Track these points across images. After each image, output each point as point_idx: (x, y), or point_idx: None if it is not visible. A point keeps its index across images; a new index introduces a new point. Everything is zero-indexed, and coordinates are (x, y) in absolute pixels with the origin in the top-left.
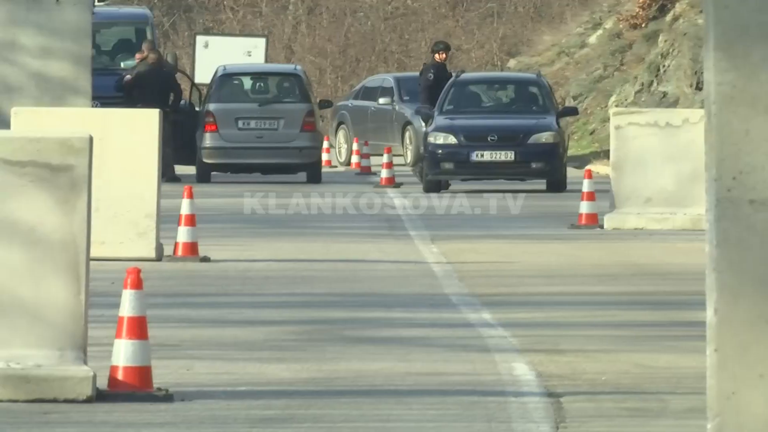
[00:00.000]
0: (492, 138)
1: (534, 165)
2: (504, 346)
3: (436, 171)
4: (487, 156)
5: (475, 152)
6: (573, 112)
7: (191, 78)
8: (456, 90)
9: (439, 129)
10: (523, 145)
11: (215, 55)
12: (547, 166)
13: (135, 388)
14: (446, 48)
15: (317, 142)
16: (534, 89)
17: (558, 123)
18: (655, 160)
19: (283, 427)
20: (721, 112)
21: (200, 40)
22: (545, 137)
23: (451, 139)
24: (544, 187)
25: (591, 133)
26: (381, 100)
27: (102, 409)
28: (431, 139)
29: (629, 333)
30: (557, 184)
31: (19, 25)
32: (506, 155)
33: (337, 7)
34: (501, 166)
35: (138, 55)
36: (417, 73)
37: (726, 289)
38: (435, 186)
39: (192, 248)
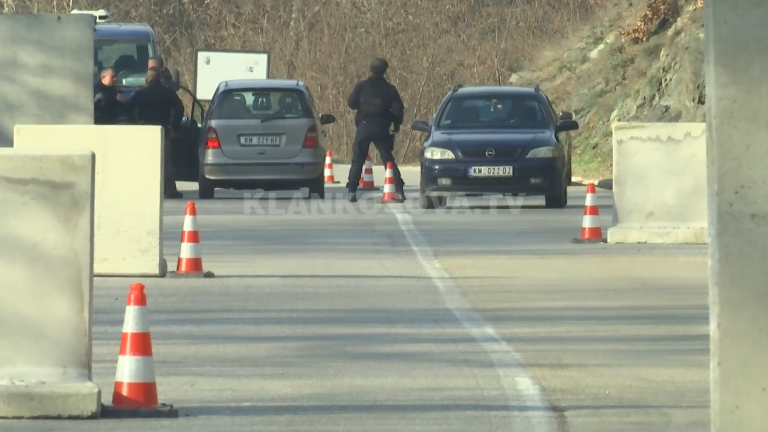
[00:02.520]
0: (490, 153)
1: (533, 180)
2: (507, 361)
3: (434, 187)
4: (485, 171)
5: (473, 167)
6: (572, 126)
7: (193, 94)
8: (453, 104)
9: (436, 144)
10: (521, 160)
11: (217, 71)
12: (545, 181)
13: (139, 404)
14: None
15: (319, 157)
16: (532, 103)
17: (557, 137)
18: (657, 174)
19: None
20: (722, 127)
21: (202, 56)
22: (543, 152)
23: (448, 155)
24: (543, 202)
25: (593, 148)
26: None
27: (106, 425)
28: (428, 155)
29: (632, 347)
30: (556, 200)
31: (19, 42)
32: (504, 170)
33: (338, 24)
34: (499, 182)
35: (150, 65)
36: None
37: (728, 303)
38: (433, 202)
39: (195, 264)
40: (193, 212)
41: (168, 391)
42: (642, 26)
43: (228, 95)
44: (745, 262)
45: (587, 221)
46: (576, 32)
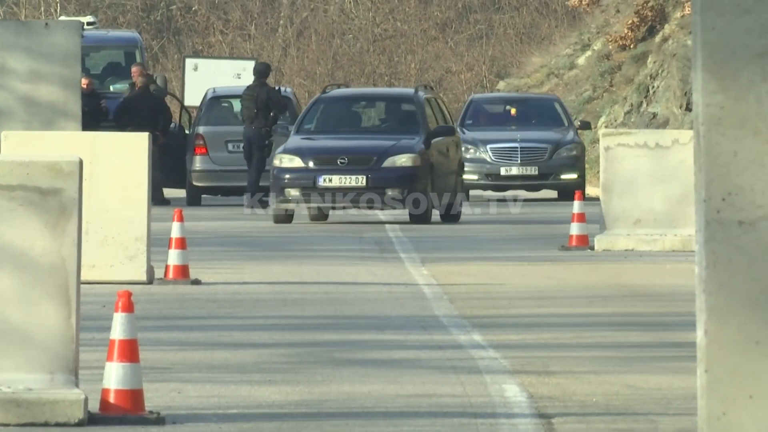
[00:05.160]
0: (342, 161)
1: (389, 192)
2: (495, 368)
3: (282, 198)
4: (336, 181)
5: (323, 177)
6: (449, 131)
7: (181, 101)
8: (317, 108)
9: (287, 151)
10: (376, 169)
11: (205, 77)
12: (403, 194)
13: (126, 411)
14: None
15: None
16: (408, 107)
17: (427, 144)
18: (645, 181)
19: None
20: (710, 134)
21: (189, 62)
22: (403, 160)
23: (298, 162)
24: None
25: None
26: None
27: None
28: (276, 162)
29: (619, 354)
30: (421, 215)
31: (7, 49)
32: (357, 180)
33: (325, 30)
34: (351, 192)
35: (135, 72)
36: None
37: (715, 310)
38: (284, 216)
39: (183, 271)
40: (181, 219)
41: (155, 397)
42: (629, 33)
43: (216, 102)
44: (732, 269)
45: (575, 228)
46: (564, 39)
